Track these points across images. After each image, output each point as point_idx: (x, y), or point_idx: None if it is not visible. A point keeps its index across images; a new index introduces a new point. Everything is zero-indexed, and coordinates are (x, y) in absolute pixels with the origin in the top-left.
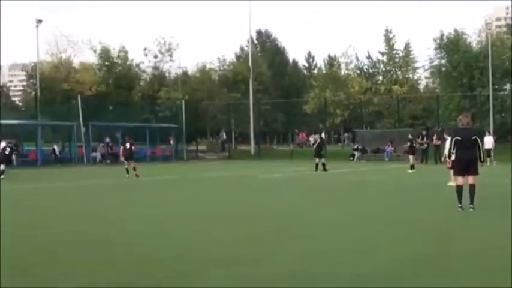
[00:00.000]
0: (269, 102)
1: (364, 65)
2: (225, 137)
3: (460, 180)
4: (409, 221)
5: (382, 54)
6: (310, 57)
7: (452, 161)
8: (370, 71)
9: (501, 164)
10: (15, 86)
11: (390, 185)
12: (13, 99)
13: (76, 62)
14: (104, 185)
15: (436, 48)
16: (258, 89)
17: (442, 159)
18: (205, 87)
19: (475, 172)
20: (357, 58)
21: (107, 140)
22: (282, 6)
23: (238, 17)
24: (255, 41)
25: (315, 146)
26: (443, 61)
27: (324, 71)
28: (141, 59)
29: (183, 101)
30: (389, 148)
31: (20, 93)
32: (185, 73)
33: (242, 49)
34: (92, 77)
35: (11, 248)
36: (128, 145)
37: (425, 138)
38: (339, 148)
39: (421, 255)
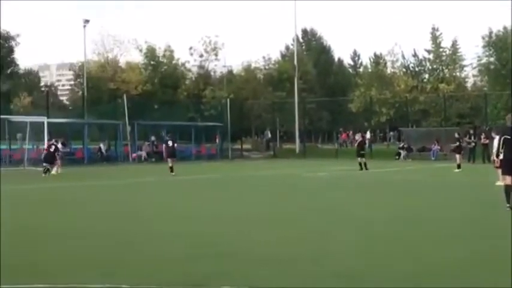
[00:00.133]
0: (314, 101)
1: (410, 63)
2: (269, 135)
3: (509, 179)
4: (458, 221)
5: (429, 52)
6: (355, 56)
7: (501, 160)
8: (417, 69)
9: None
10: (63, 85)
11: (437, 185)
12: (61, 98)
13: (122, 62)
14: (148, 183)
15: (484, 46)
16: (303, 87)
17: (491, 158)
18: (250, 86)
19: None
20: (403, 56)
21: (152, 138)
22: (328, 4)
23: (284, 16)
24: (301, 40)
25: (356, 145)
26: (491, 59)
27: (369, 70)
28: (187, 58)
29: (228, 100)
30: (436, 147)
31: (67, 92)
32: (230, 72)
33: (287, 48)
34: (138, 76)
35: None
36: (170, 143)
37: (472, 137)
38: (384, 147)
39: (470, 254)
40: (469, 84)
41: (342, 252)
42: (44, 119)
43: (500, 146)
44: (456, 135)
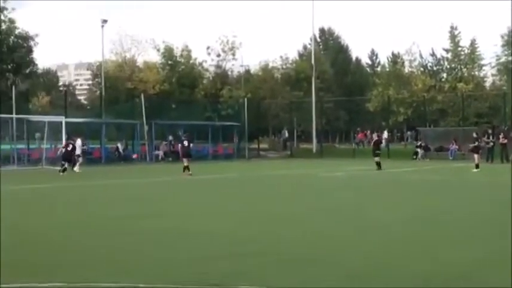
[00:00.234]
0: (331, 100)
1: (428, 62)
2: (287, 135)
3: None
4: (475, 221)
5: (447, 51)
6: (373, 55)
7: None
8: (435, 68)
9: None
10: (81, 84)
11: (455, 184)
12: (79, 98)
13: (140, 61)
14: (166, 182)
15: (503, 45)
16: (321, 87)
17: (510, 158)
18: (267, 86)
19: None
20: (421, 55)
21: (170, 138)
22: (345, 3)
23: (301, 15)
24: (318, 39)
25: (372, 145)
26: (510, 58)
27: (387, 69)
28: (204, 57)
29: (246, 100)
30: (454, 147)
31: (85, 92)
32: (248, 71)
33: (305, 47)
34: (156, 76)
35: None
36: (186, 143)
37: (490, 137)
38: (401, 147)
39: (487, 254)
40: (487, 84)
41: (358, 253)
42: (62, 119)
43: None
44: (474, 134)
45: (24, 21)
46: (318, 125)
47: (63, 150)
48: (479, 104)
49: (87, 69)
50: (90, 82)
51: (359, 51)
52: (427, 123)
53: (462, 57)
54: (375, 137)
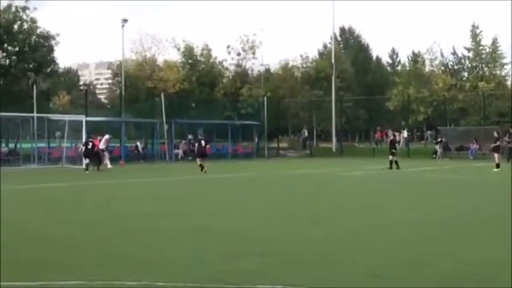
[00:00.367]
0: (351, 99)
1: (449, 61)
2: (306, 134)
3: None
4: (497, 221)
5: (468, 50)
6: (394, 54)
7: None
8: (456, 67)
9: None
10: (101, 84)
11: (475, 184)
12: (99, 97)
13: (160, 60)
14: (186, 181)
15: None
16: (341, 86)
17: None
18: (287, 85)
19: None
20: (441, 54)
21: (190, 137)
22: (366, 2)
23: (322, 14)
24: (338, 38)
25: (388, 144)
26: None
27: (407, 68)
28: (224, 56)
29: (265, 98)
30: (474, 146)
31: (105, 91)
32: (267, 70)
33: (325, 46)
34: (176, 75)
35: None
36: (203, 142)
37: None
38: (421, 146)
39: (510, 254)
40: (509, 83)
41: (379, 252)
42: (83, 118)
43: None
44: (495, 134)
45: (45, 20)
46: (338, 124)
47: (83, 148)
48: (500, 103)
49: (108, 69)
50: (110, 81)
51: (379, 50)
52: (447, 122)
53: (483, 56)
54: (390, 135)
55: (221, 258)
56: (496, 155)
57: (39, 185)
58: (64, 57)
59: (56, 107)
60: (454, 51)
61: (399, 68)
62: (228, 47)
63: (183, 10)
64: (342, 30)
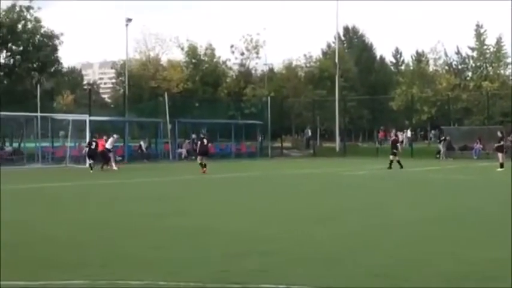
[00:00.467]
0: (355, 99)
1: (453, 60)
2: (310, 134)
3: None
4: (499, 221)
5: (472, 49)
6: (397, 53)
7: None
8: (459, 67)
9: None
10: (105, 83)
11: (479, 184)
12: (103, 96)
13: (164, 60)
14: (190, 180)
15: None
16: (344, 85)
17: None
18: (291, 84)
19: None
20: (445, 54)
21: (193, 136)
22: (370, 2)
23: (326, 14)
24: (342, 38)
25: (390, 143)
26: None
27: (411, 67)
28: (228, 56)
29: (269, 98)
30: (478, 146)
31: (109, 90)
32: (271, 70)
33: (329, 46)
34: (179, 74)
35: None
36: (205, 141)
37: None
38: (425, 145)
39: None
40: None
41: (382, 252)
42: (86, 117)
43: None
44: (499, 133)
45: (49, 20)
46: (341, 124)
47: (87, 149)
48: (504, 103)
49: (111, 68)
50: (114, 81)
51: (383, 50)
52: (451, 122)
53: (488, 55)
54: (392, 135)
55: (224, 258)
56: (499, 154)
57: (43, 184)
58: (68, 57)
59: (60, 107)
60: (458, 50)
61: (403, 67)
62: (232, 46)
63: (186, 10)
64: (346, 29)
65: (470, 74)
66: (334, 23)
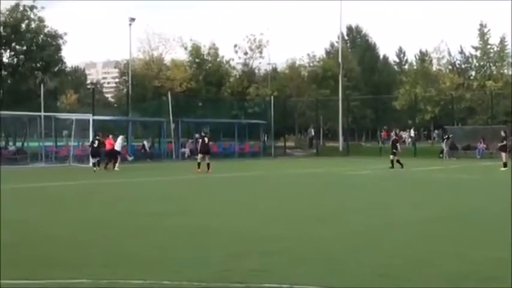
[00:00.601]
0: (358, 99)
1: (457, 60)
2: (313, 133)
3: None
4: (502, 221)
5: (476, 49)
6: (401, 53)
7: None
8: (463, 66)
9: None
10: (108, 83)
11: (482, 183)
12: (106, 95)
13: (167, 59)
14: (192, 180)
15: None
16: (348, 85)
17: None
18: (294, 84)
19: None
20: (449, 53)
21: (196, 136)
22: (373, 1)
23: (329, 13)
24: (346, 37)
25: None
26: None
27: (415, 67)
28: (231, 55)
29: (272, 98)
30: (481, 145)
31: (112, 89)
32: (274, 69)
33: (332, 45)
34: (183, 74)
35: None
36: (206, 139)
37: None
38: (428, 145)
39: None
40: None
41: (384, 252)
42: (90, 117)
43: None
44: (502, 133)
45: (53, 19)
46: (344, 123)
47: (90, 148)
48: (508, 103)
49: (115, 67)
50: (117, 80)
51: (387, 49)
52: (454, 121)
53: (491, 54)
54: (393, 135)
55: (227, 257)
56: (503, 154)
57: (46, 183)
58: (71, 56)
59: (63, 106)
60: (462, 50)
61: (406, 67)
62: (235, 46)
63: (190, 9)
64: (349, 29)
65: (473, 73)
66: (338, 22)
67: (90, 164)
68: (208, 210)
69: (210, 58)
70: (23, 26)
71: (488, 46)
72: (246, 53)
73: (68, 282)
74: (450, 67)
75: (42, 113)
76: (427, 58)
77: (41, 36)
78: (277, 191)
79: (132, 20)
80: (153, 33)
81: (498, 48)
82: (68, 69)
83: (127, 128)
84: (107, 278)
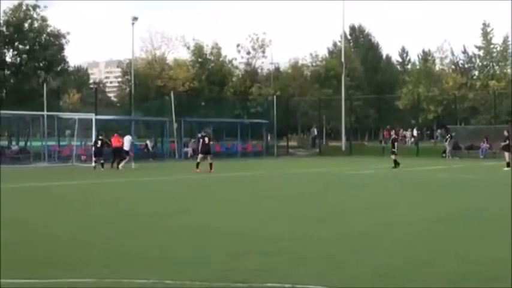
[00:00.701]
0: (361, 98)
1: (460, 59)
2: (316, 133)
3: None
4: (504, 221)
5: (479, 48)
6: (404, 52)
7: None
8: (466, 66)
9: None
10: (111, 82)
11: (485, 183)
12: (109, 95)
13: (170, 59)
14: (194, 179)
15: None
16: (350, 84)
17: None
18: (297, 83)
19: None
20: (452, 53)
21: (199, 135)
22: (376, 1)
23: (332, 13)
24: (348, 37)
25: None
26: None
27: (417, 66)
28: (234, 55)
29: (275, 97)
30: (485, 145)
31: (115, 89)
32: (277, 69)
33: (335, 45)
34: (185, 74)
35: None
36: (206, 139)
37: None
38: (431, 145)
39: None
40: None
41: (385, 252)
42: (92, 116)
43: None
44: (505, 133)
45: (56, 19)
46: (347, 123)
47: (93, 148)
48: (511, 102)
49: (118, 67)
50: (120, 79)
51: (389, 49)
52: (457, 121)
53: (494, 54)
54: (393, 135)
55: (229, 257)
56: (506, 153)
57: (49, 183)
58: (74, 56)
59: (66, 106)
60: (465, 49)
61: (409, 66)
62: (238, 45)
63: (192, 9)
64: (352, 28)
65: (476, 73)
66: (340, 22)
67: (93, 164)
68: (209, 210)
69: (212, 58)
70: (26, 25)
71: (492, 46)
72: (248, 53)
73: (69, 282)
74: (453, 67)
75: (45, 113)
76: (430, 58)
77: (44, 35)
78: (279, 190)
79: (135, 19)
80: (156, 32)
81: (501, 48)
82: (70, 68)
83: (130, 128)
84: (110, 278)
